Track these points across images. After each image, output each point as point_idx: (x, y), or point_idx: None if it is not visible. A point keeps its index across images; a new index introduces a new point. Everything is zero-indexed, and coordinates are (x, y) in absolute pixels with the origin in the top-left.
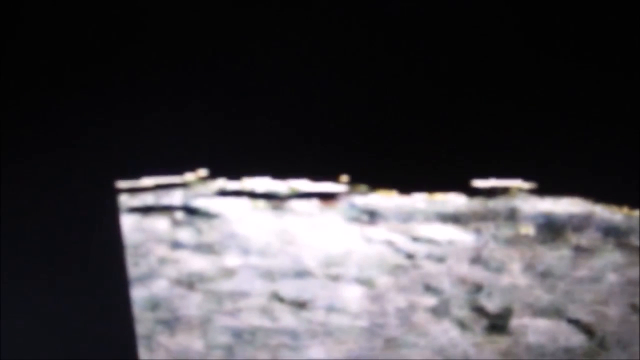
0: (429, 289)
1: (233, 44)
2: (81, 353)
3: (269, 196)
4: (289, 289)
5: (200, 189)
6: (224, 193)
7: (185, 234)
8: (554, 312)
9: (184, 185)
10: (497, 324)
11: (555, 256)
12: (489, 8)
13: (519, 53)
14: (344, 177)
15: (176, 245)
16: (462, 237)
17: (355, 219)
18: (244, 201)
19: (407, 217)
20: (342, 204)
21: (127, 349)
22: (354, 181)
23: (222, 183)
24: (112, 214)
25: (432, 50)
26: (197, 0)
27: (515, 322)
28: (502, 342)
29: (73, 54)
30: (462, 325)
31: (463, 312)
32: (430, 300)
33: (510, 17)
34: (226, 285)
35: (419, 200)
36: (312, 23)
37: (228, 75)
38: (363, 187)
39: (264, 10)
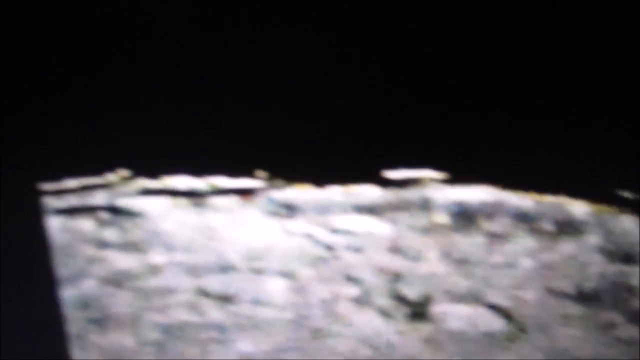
0: (350, 279)
1: (152, 46)
2: (14, 354)
3: (189, 193)
4: (214, 283)
5: (122, 188)
6: (145, 192)
7: (110, 234)
8: (472, 298)
9: (106, 185)
10: (418, 311)
11: (469, 243)
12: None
13: (429, 45)
14: (261, 172)
15: (102, 244)
16: (379, 227)
17: (274, 213)
18: (166, 199)
19: (324, 209)
20: (260, 199)
21: (59, 349)
22: (271, 176)
23: (143, 182)
24: (37, 216)
25: (345, 45)
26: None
27: (435, 309)
28: (424, 329)
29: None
30: (384, 313)
31: (384, 301)
32: (352, 290)
33: (421, 13)
34: (153, 282)
35: (334, 192)
36: (220, 22)
37: (146, 76)
38: (280, 182)
39: (180, 12)
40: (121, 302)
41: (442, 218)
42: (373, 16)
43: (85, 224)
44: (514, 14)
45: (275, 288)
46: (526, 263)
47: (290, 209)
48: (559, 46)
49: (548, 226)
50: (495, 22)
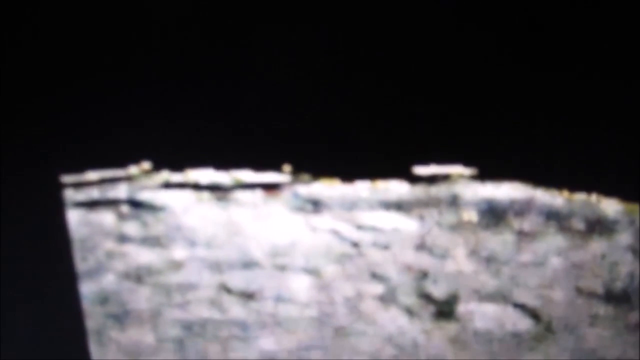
0: (375, 276)
1: (173, 37)
2: (31, 350)
3: (213, 187)
4: (237, 280)
5: (144, 182)
6: (168, 185)
7: (131, 228)
8: (500, 297)
9: (128, 178)
10: (444, 310)
11: (498, 241)
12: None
13: (456, 44)
14: (287, 167)
15: (123, 238)
16: (406, 224)
17: (300, 209)
18: (189, 193)
19: (351, 205)
20: (285, 194)
21: (77, 345)
22: (297, 171)
23: (166, 175)
24: (57, 208)
25: (371, 43)
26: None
27: (462, 308)
28: (450, 328)
29: (13, 49)
30: (409, 312)
31: (410, 299)
32: (377, 288)
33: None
34: (174, 278)
35: (362, 188)
36: (249, 18)
37: (168, 69)
38: (306, 177)
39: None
40: (141, 297)
41: (470, 215)
42: (402, 12)
43: (106, 218)
44: (545, 16)
45: (299, 285)
46: (555, 262)
47: (316, 205)
48: (591, 46)
49: (578, 225)
50: (526, 24)
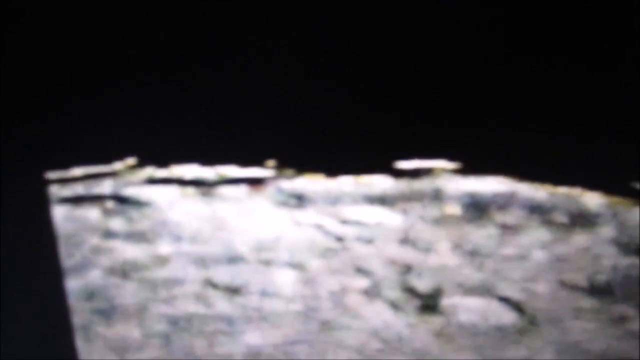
0: (360, 271)
1: (157, 33)
2: (18, 346)
3: (197, 183)
4: (222, 274)
5: (129, 177)
6: (153, 181)
7: (117, 223)
8: (484, 290)
9: (113, 174)
10: (429, 304)
11: (482, 235)
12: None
13: (438, 39)
14: (271, 162)
15: (108, 234)
16: (390, 218)
17: (284, 204)
18: (173, 188)
19: (335, 200)
20: (270, 189)
21: (64, 340)
22: (281, 166)
23: (150, 171)
24: (42, 204)
25: (354, 40)
26: None
27: (446, 302)
28: (434, 321)
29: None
30: (394, 306)
31: (395, 293)
32: (362, 282)
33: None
34: (160, 273)
35: (345, 183)
36: (232, 16)
37: (153, 65)
38: (290, 172)
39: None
40: (127, 292)
41: (454, 209)
42: (386, 8)
43: (91, 213)
44: (534, 10)
45: (284, 279)
46: (539, 255)
47: (300, 199)
48: (575, 42)
49: (561, 218)
50: (511, 18)
